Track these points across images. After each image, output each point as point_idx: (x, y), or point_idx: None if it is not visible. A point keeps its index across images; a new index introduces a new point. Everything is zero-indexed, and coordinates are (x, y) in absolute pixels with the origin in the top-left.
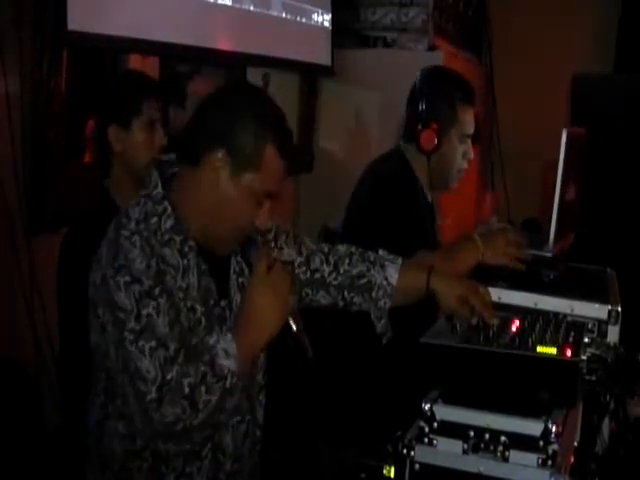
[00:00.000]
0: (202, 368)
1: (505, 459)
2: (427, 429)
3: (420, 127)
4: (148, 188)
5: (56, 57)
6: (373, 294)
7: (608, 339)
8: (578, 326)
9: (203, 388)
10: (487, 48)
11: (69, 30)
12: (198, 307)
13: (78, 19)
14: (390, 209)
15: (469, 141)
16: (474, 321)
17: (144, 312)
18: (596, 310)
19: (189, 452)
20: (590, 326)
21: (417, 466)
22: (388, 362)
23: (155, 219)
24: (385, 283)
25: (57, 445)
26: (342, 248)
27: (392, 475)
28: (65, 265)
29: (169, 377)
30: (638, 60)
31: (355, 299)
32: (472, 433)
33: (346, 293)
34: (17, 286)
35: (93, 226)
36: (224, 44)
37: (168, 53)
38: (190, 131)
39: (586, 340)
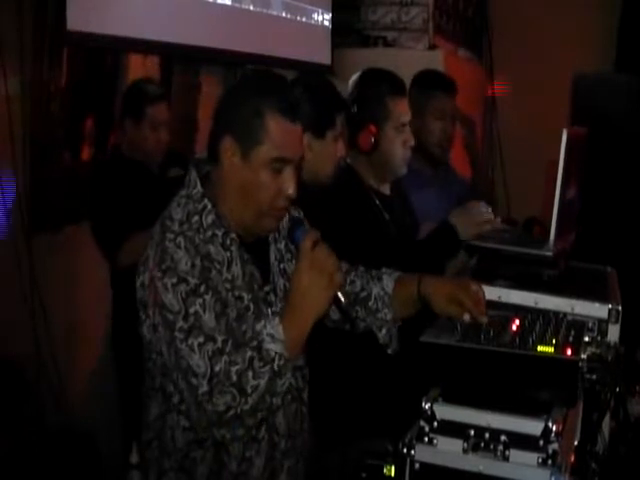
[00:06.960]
0: (249, 354)
1: (505, 458)
2: (427, 428)
3: (356, 131)
4: (188, 188)
5: (56, 57)
6: (370, 303)
7: (608, 338)
8: (578, 325)
9: (250, 373)
10: (487, 47)
11: (69, 30)
12: (245, 295)
13: (78, 19)
14: (341, 228)
15: (406, 129)
16: (466, 318)
17: (191, 310)
18: (596, 309)
19: (247, 437)
20: (590, 325)
21: (417, 465)
22: (389, 361)
23: (196, 217)
24: (382, 293)
25: (57, 445)
26: (345, 264)
27: (392, 474)
28: None
29: (217, 369)
30: (639, 59)
31: (359, 313)
32: (472, 432)
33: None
34: (17, 286)
35: None
36: (224, 43)
37: (168, 53)
38: (210, 133)
39: (586, 339)
